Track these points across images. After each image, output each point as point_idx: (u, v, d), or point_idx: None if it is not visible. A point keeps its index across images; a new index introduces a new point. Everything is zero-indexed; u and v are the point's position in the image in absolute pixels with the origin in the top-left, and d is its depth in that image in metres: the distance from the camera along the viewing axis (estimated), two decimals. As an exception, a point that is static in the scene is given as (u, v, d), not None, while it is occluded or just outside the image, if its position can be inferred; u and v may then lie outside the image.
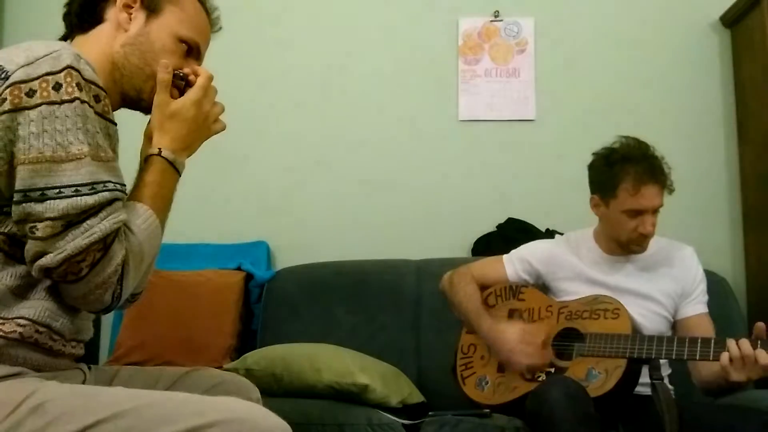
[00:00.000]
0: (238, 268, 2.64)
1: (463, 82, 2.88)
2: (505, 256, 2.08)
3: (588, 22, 2.90)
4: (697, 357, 1.64)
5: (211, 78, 1.20)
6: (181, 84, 1.17)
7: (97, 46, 1.16)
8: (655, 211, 1.83)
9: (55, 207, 0.95)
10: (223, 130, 1.23)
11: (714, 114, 2.83)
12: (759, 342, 1.56)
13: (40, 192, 0.95)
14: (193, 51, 1.23)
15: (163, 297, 2.53)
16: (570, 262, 1.99)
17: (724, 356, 1.57)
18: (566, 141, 2.82)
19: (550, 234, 2.58)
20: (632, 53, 2.87)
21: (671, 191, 1.85)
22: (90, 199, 0.97)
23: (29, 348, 1.01)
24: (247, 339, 2.55)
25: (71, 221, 0.96)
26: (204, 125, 1.19)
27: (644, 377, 1.75)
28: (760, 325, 1.58)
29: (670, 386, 1.86)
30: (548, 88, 2.86)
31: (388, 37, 2.94)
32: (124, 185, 1.06)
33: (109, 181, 1.01)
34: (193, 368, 1.27)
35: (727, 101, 2.83)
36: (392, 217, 2.84)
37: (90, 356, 2.77)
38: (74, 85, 0.98)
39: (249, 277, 2.62)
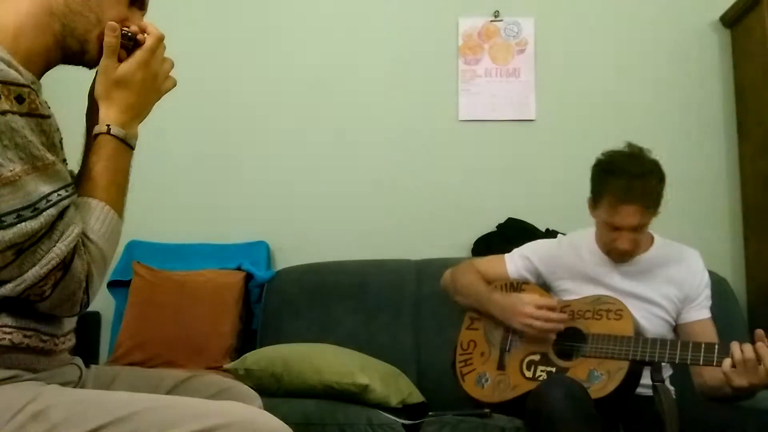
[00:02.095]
0: (238, 268, 2.64)
1: (463, 82, 2.88)
2: (506, 255, 2.09)
3: (588, 22, 2.90)
4: (701, 362, 1.62)
5: (161, 38, 1.11)
6: (129, 44, 1.08)
7: None
8: (634, 229, 1.80)
9: (0, 239, 0.90)
10: (174, 86, 1.14)
11: (714, 114, 2.83)
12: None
13: None
14: (137, 0, 1.14)
15: (163, 297, 2.54)
16: (571, 261, 1.99)
17: (726, 362, 1.56)
18: (566, 141, 2.82)
19: (550, 234, 2.57)
20: (632, 53, 2.87)
21: (656, 213, 1.80)
22: (35, 223, 0.91)
23: (21, 352, 0.99)
24: (247, 339, 2.55)
25: (21, 248, 0.91)
26: (154, 86, 1.10)
27: (645, 378, 1.75)
28: (760, 332, 1.58)
29: (671, 387, 1.86)
30: (548, 88, 2.86)
31: (388, 36, 2.93)
32: (71, 184, 0.99)
33: (52, 192, 0.94)
34: (195, 373, 1.26)
35: (727, 101, 2.83)
36: (392, 217, 2.84)
37: (90, 356, 2.77)
38: None
39: (249, 277, 2.62)
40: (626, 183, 1.76)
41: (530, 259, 2.04)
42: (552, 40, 2.89)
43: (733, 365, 1.55)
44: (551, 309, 1.84)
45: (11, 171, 0.90)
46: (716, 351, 1.60)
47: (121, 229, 1.08)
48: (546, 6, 2.91)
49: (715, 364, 1.60)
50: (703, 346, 1.63)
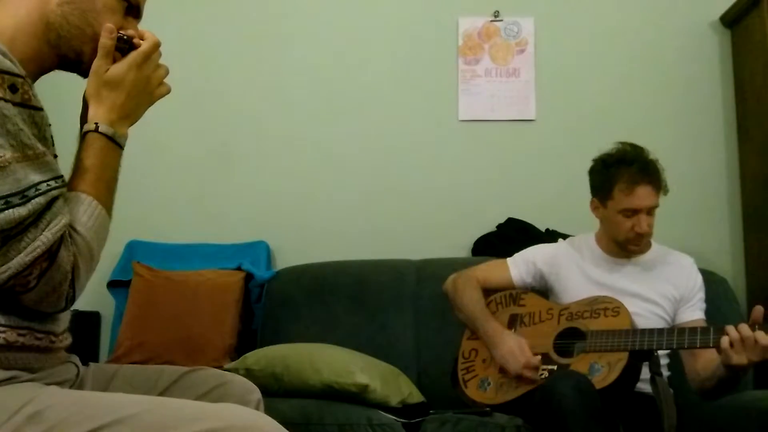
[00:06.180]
0: (238, 268, 2.64)
1: (463, 82, 2.88)
2: (509, 259, 2.11)
3: (588, 22, 2.90)
4: (698, 345, 1.68)
5: (157, 44, 1.10)
6: (125, 48, 1.08)
7: (28, 5, 1.05)
8: (650, 211, 1.89)
9: None
10: (168, 93, 1.14)
11: (714, 114, 2.83)
12: (756, 326, 1.60)
13: None
14: (133, 9, 1.13)
15: (163, 297, 2.54)
16: (573, 263, 2.03)
17: (725, 339, 1.60)
18: (566, 141, 2.82)
19: (550, 234, 2.58)
20: (632, 53, 2.87)
21: (666, 192, 1.91)
22: (23, 210, 0.90)
23: (17, 350, 0.99)
24: (247, 339, 2.55)
25: (8, 235, 0.90)
26: (146, 90, 1.10)
27: (645, 375, 1.77)
28: (759, 308, 1.62)
29: (669, 390, 1.87)
30: (548, 88, 2.86)
31: (388, 37, 2.94)
32: (60, 176, 0.98)
33: (42, 182, 0.93)
34: (193, 368, 1.25)
35: (727, 101, 2.83)
36: (392, 217, 2.84)
37: (90, 356, 2.78)
38: None
39: (249, 277, 2.62)
40: (638, 167, 1.87)
41: (533, 263, 2.07)
42: (552, 40, 2.89)
43: (731, 344, 1.59)
44: (528, 357, 1.83)
45: (1, 157, 0.89)
46: (711, 332, 1.66)
47: (109, 226, 1.07)
48: (546, 6, 2.91)
49: (712, 345, 1.65)
50: (698, 329, 1.69)
